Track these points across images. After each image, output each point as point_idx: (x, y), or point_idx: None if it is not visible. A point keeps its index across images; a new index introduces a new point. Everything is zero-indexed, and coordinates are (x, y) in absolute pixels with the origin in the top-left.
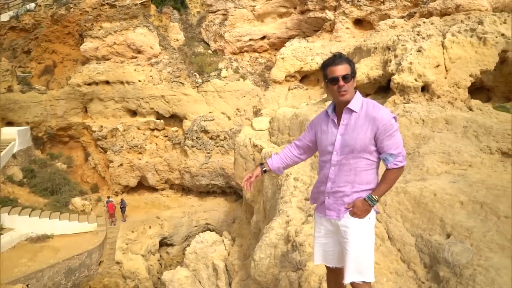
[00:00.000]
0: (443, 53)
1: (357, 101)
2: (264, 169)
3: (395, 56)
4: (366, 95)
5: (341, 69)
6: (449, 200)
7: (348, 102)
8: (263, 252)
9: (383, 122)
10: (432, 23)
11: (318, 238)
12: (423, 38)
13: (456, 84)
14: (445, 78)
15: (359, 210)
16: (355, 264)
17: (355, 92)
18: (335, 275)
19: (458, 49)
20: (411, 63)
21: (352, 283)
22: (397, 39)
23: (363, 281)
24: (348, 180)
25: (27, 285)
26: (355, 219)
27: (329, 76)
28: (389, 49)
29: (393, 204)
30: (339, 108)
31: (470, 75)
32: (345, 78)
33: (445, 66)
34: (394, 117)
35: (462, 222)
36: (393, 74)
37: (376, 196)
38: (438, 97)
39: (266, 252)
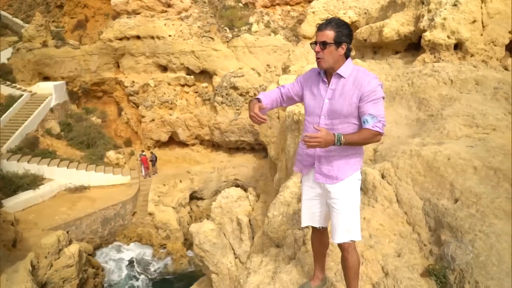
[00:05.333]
0: (481, 8)
1: (347, 68)
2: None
3: (428, 11)
4: (395, 52)
5: (322, 35)
6: (462, 165)
7: (324, 69)
8: (277, 210)
9: (369, 87)
10: None
11: (306, 201)
12: None
13: (492, 42)
14: (481, 35)
15: (321, 137)
16: (345, 223)
17: (345, 59)
18: (319, 234)
19: (498, 2)
20: (444, 18)
21: (339, 243)
22: None
23: (351, 240)
24: None
25: (67, 232)
26: (345, 182)
27: (313, 40)
28: (423, 3)
29: (405, 167)
30: (328, 72)
31: (510, 32)
32: (324, 44)
33: (482, 22)
34: (381, 85)
35: (472, 188)
36: (424, 31)
37: (344, 139)
38: (472, 55)
39: (280, 210)
